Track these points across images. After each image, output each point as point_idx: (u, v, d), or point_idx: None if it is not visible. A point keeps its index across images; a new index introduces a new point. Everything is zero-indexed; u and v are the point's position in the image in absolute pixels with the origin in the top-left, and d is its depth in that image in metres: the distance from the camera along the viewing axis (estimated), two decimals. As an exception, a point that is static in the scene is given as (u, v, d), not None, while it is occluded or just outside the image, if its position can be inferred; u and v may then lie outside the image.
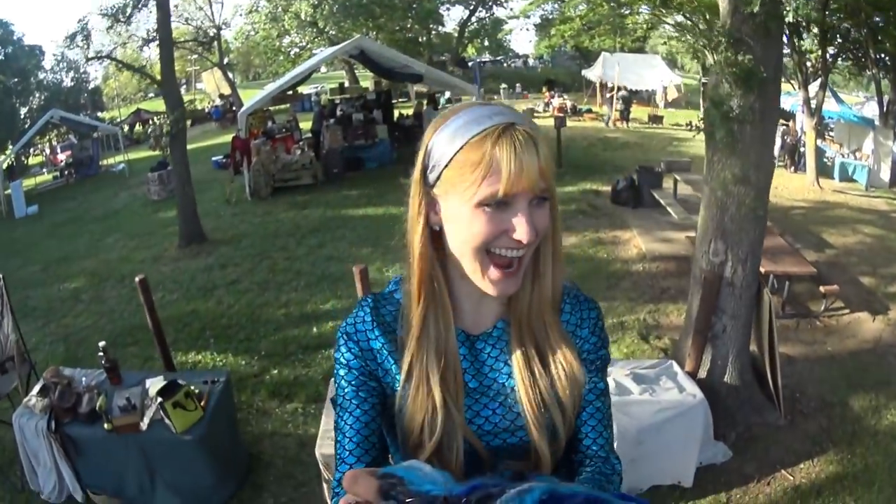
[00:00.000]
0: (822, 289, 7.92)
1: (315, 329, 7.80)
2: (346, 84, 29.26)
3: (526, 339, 1.25)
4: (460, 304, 1.27)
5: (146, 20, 12.65)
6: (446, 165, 1.10)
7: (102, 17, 11.04)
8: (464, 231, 1.12)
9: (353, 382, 1.26)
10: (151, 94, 57.21)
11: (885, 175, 16.36)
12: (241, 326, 8.02)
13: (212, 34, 31.83)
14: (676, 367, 5.14)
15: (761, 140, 5.06)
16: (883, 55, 15.88)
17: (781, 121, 19.17)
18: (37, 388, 4.80)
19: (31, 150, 31.22)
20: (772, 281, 7.90)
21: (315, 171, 15.58)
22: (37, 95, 36.00)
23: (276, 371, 6.84)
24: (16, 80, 33.02)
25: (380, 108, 19.43)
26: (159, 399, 4.30)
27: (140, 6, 10.96)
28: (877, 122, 16.95)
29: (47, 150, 30.38)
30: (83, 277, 10.89)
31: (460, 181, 1.08)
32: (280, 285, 9.35)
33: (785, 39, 15.05)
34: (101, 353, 4.83)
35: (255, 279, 9.69)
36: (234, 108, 32.61)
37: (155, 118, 32.50)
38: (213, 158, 19.92)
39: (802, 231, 11.23)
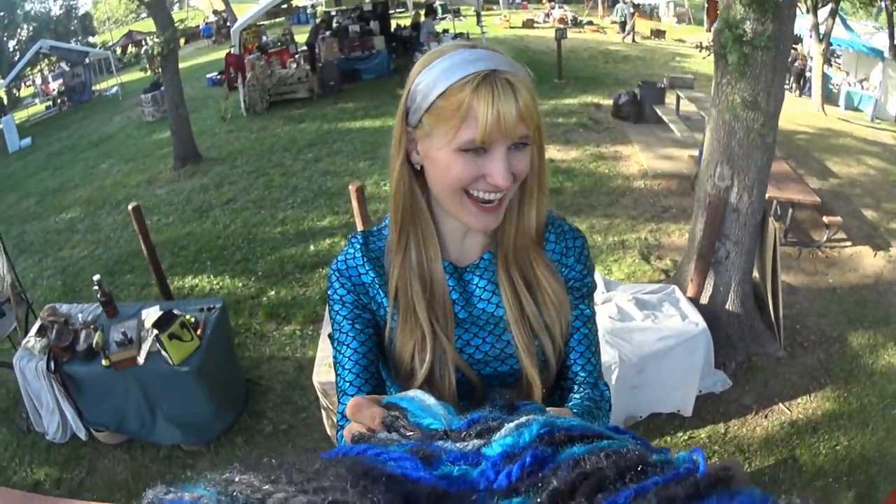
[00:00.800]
0: (825, 219, 7.81)
1: (312, 247, 7.76)
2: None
3: (512, 269, 1.30)
4: (446, 237, 1.32)
5: None
6: (427, 110, 1.12)
7: None
8: (442, 173, 1.15)
9: (347, 316, 1.30)
10: (144, 15, 56.13)
11: (892, 108, 16.17)
12: (237, 247, 7.97)
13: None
14: (679, 293, 5.09)
15: (773, 65, 4.87)
16: None
17: (798, 53, 18.98)
18: (34, 329, 4.80)
19: (23, 81, 30.75)
20: (775, 207, 7.80)
21: (311, 84, 15.25)
22: (25, 27, 35.33)
23: (273, 292, 6.82)
24: (1, 13, 32.53)
25: (377, 19, 19.04)
26: (155, 331, 4.28)
27: None
28: (886, 55, 16.59)
29: (38, 81, 30.07)
30: (78, 207, 10.78)
31: (439, 126, 1.11)
32: (276, 202, 9.26)
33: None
34: (95, 287, 4.80)
35: (250, 197, 9.59)
36: (227, 25, 31.97)
37: (147, 39, 32.00)
38: (208, 76, 19.51)
39: (806, 157, 11.11)
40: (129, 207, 5.46)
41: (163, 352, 4.29)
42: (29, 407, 4.86)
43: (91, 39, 38.18)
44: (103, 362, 4.35)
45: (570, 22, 25.14)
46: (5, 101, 24.29)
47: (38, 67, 30.18)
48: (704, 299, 5.58)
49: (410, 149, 1.21)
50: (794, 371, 5.55)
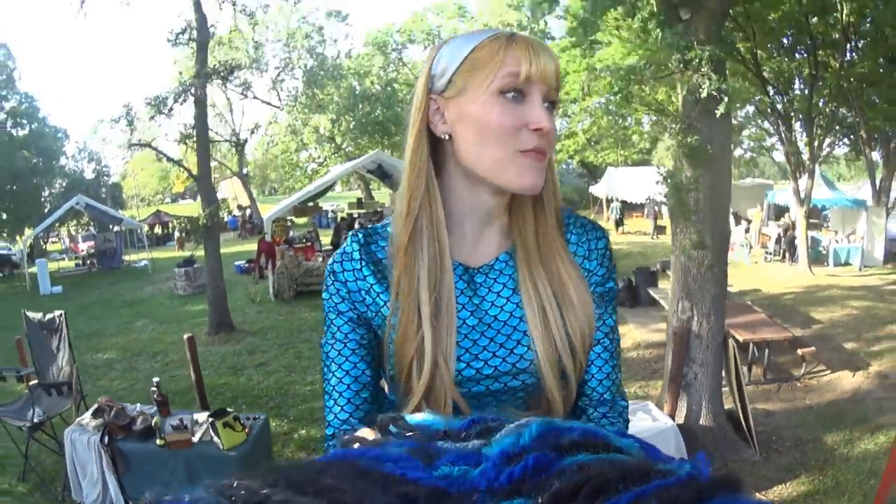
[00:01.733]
0: (799, 352, 8.59)
1: (342, 400, 8.39)
2: (363, 199, 30.64)
3: (535, 270, 1.18)
4: (458, 232, 1.21)
5: (179, 116, 13.49)
6: (460, 64, 1.09)
7: (146, 105, 11.93)
8: (481, 124, 1.09)
9: (342, 328, 1.22)
10: (168, 199, 58.92)
11: (879, 253, 16.93)
12: (270, 398, 8.72)
13: (232, 143, 33.47)
14: (651, 405, 5.86)
15: (714, 208, 5.98)
16: (874, 134, 16.65)
17: (783, 219, 19.93)
18: (91, 410, 5.41)
19: (50, 235, 32.26)
20: (752, 349, 8.58)
21: (337, 278, 16.29)
22: (58, 182, 36.64)
23: (304, 431, 7.51)
24: (38, 160, 33.59)
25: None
26: (210, 419, 4.97)
27: (182, 101, 11.91)
28: (869, 203, 17.59)
29: (66, 239, 31.34)
30: (115, 350, 11.64)
31: (476, 74, 1.08)
32: (305, 369, 10.01)
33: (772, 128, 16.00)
34: (153, 388, 5.42)
35: (281, 363, 10.39)
36: (251, 220, 34.03)
37: (174, 221, 33.72)
38: (236, 263, 20.71)
39: (791, 312, 11.84)
40: (185, 337, 6.33)
41: (215, 438, 4.90)
42: (71, 476, 5.31)
43: (120, 211, 40.12)
44: (157, 441, 4.93)
45: None
46: (30, 250, 25.05)
47: (67, 225, 31.53)
48: (680, 419, 6.35)
49: (435, 120, 1.14)
50: (770, 469, 6.08)
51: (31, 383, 6.56)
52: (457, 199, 1.19)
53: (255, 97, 34.08)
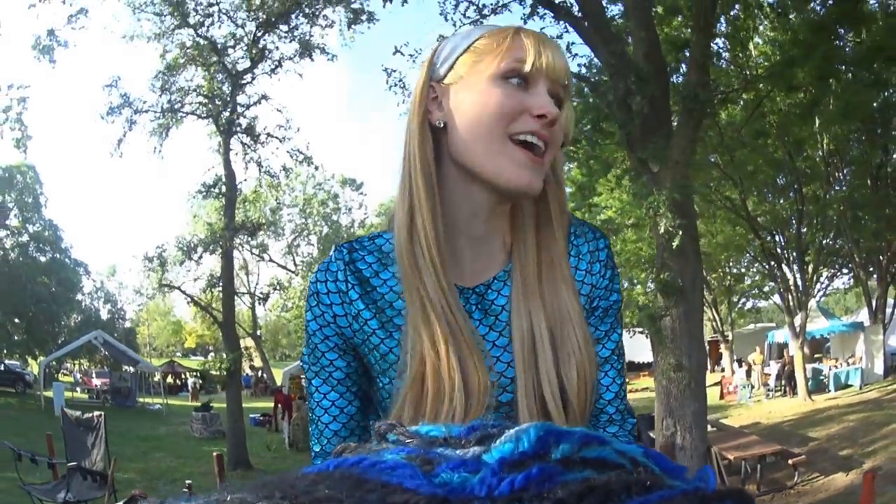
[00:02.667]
0: (790, 461, 8.96)
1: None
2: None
3: (531, 300, 1.05)
4: (455, 249, 1.08)
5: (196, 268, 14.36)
6: (464, 51, 1.02)
7: (177, 249, 12.75)
8: (478, 108, 0.99)
9: (327, 355, 1.10)
10: (179, 353, 59.23)
11: (879, 369, 17.26)
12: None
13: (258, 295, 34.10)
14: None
15: (689, 334, 6.81)
16: (866, 255, 17.31)
17: (784, 358, 20.17)
18: (125, 499, 5.75)
19: (61, 365, 32.68)
20: (744, 466, 9.06)
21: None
22: (74, 316, 37.18)
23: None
24: (59, 288, 34.32)
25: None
26: None
27: (211, 251, 12.78)
28: (866, 323, 18.14)
29: (77, 373, 31.83)
30: (134, 473, 11.95)
31: (479, 61, 1.00)
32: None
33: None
34: (185, 490, 5.70)
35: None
36: (264, 379, 34.70)
37: (188, 373, 34.26)
38: (251, 416, 20.71)
39: (790, 436, 12.19)
40: (214, 455, 6.69)
41: None
42: None
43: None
44: None
45: None
46: (38, 376, 25.44)
47: (79, 360, 31.78)
48: (668, 530, 6.91)
49: (432, 108, 1.04)
50: None
51: (69, 464, 7.01)
52: (451, 204, 1.05)
53: (270, 260, 35.22)
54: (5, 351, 31.70)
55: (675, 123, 7.12)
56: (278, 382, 18.43)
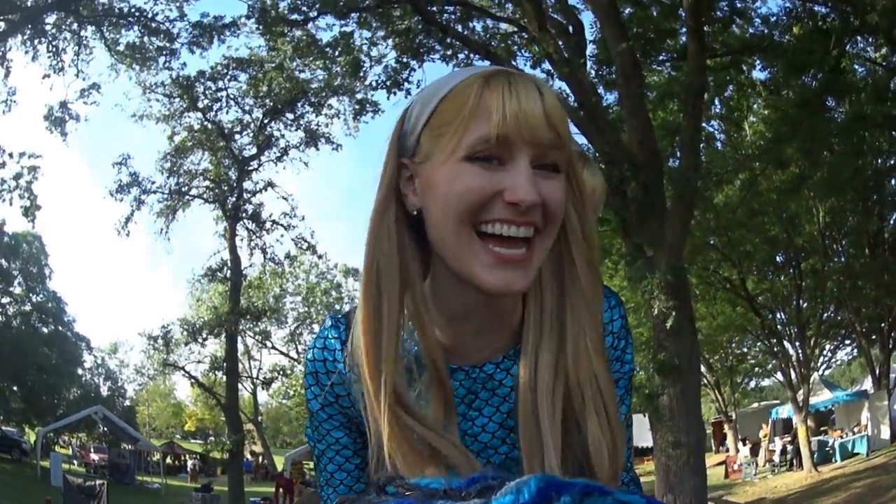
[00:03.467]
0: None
1: None
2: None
3: (542, 390, 0.87)
4: (448, 331, 0.94)
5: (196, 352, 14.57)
6: (426, 123, 0.85)
7: (182, 330, 12.99)
8: (445, 196, 0.82)
9: (332, 433, 1.01)
10: (178, 435, 58.72)
11: (886, 435, 17.13)
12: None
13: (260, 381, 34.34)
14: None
15: (686, 412, 7.02)
16: (867, 323, 17.28)
17: (786, 436, 20.29)
18: None
19: (59, 437, 32.08)
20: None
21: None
22: (73, 389, 36.96)
23: None
24: (59, 360, 34.09)
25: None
26: None
27: (216, 334, 13.03)
28: (870, 391, 18.14)
29: (75, 446, 31.45)
30: None
31: (442, 134, 0.82)
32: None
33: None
34: None
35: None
36: (265, 465, 34.53)
37: (187, 455, 34.19)
38: (251, 500, 20.18)
39: (796, 509, 12.02)
40: None
41: None
42: None
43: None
44: None
45: None
46: (35, 445, 25.18)
47: (77, 434, 31.50)
48: None
49: (407, 191, 0.88)
50: None
51: None
52: (445, 292, 0.92)
53: (273, 347, 35.37)
54: (2, 418, 31.40)
55: (669, 206, 7.44)
56: (279, 468, 18.41)
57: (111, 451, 26.78)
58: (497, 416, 0.97)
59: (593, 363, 0.86)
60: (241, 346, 35.96)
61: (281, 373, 36.44)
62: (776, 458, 19.49)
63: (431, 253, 0.89)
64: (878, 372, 17.89)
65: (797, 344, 16.83)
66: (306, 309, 35.20)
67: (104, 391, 42.18)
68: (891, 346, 17.68)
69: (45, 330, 34.78)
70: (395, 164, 0.88)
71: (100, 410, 24.44)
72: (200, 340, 13.02)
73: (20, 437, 28.69)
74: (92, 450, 29.16)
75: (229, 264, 12.77)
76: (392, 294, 0.85)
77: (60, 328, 35.71)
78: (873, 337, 18.12)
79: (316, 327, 34.72)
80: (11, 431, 29.68)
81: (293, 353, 36.28)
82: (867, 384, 20.15)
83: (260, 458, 36.43)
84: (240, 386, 33.68)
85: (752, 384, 27.97)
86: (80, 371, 39.27)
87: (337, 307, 34.86)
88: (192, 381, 18.15)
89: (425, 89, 0.91)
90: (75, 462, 27.85)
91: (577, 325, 0.87)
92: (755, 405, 29.87)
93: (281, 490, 16.98)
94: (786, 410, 20.90)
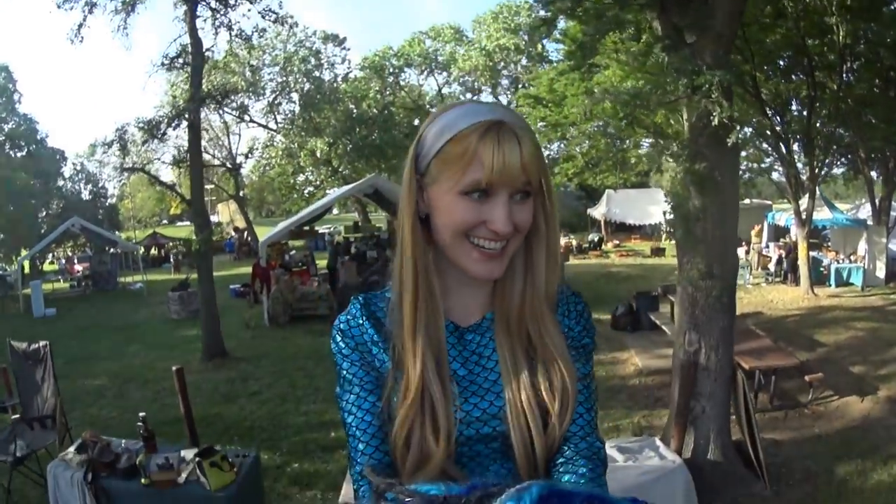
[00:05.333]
0: (806, 378, 8.38)
1: (334, 434, 8.17)
2: (360, 223, 30.57)
3: (513, 333, 1.28)
4: (448, 296, 1.31)
5: (174, 139, 13.38)
6: (434, 156, 1.17)
7: (139, 129, 11.77)
8: (446, 217, 1.18)
9: (356, 374, 1.30)
10: (165, 221, 58.99)
11: (881, 273, 16.91)
12: (262, 429, 8.50)
13: (229, 165, 33.41)
14: (658, 442, 5.61)
15: (722, 238, 5.79)
16: (873, 154, 16.58)
17: (782, 240, 19.91)
18: (74, 445, 5.16)
19: (46, 256, 32.20)
20: (758, 377, 8.38)
21: (332, 303, 16.09)
22: (54, 203, 36.88)
23: (297, 464, 7.30)
24: (36, 181, 33.92)
25: (392, 247, 20.20)
26: (197, 459, 4.71)
27: (175, 125, 11.75)
28: (869, 222, 17.62)
29: (62, 260, 31.35)
30: (106, 377, 11.46)
31: (446, 170, 1.16)
32: (299, 398, 9.78)
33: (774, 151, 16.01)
34: (140, 423, 5.12)
35: (275, 392, 10.17)
36: (248, 242, 33.95)
37: (172, 243, 33.78)
38: (231, 287, 20.54)
39: (794, 335, 11.70)
40: (174, 369, 6.08)
41: (202, 478, 4.64)
42: None
43: (116, 233, 39.86)
44: (142, 480, 4.67)
45: (574, 249, 27.01)
46: (27, 271, 25.19)
47: (63, 246, 31.43)
48: (686, 454, 6.12)
49: (418, 198, 1.23)
50: None
51: (13, 416, 6.35)
52: (446, 265, 1.28)
53: (251, 121, 34.14)
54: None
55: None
56: (259, 247, 17.48)
57: (92, 259, 26.57)
58: (479, 371, 1.29)
59: (550, 328, 1.28)
60: (219, 124, 35.64)
61: (254, 151, 35.80)
62: (771, 266, 19.15)
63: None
64: (878, 206, 17.33)
65: (801, 154, 16.27)
66: (284, 79, 33.33)
67: (86, 196, 42.19)
68: (894, 184, 16.95)
69: (20, 155, 34.27)
70: (412, 177, 1.23)
71: (76, 222, 23.31)
72: (159, 136, 11.58)
73: (4, 272, 28.30)
74: (76, 261, 28.87)
75: (189, 48, 11.13)
76: (419, 267, 1.24)
77: (34, 147, 35.10)
78: (876, 170, 17.60)
79: (295, 96, 33.71)
80: (-5, 267, 29.34)
81: (272, 125, 35.39)
82: (862, 212, 19.84)
83: (244, 235, 36.16)
84: (218, 164, 33.47)
85: (746, 177, 27.31)
86: (60, 182, 38.98)
87: (317, 74, 33.42)
88: (153, 180, 16.92)
89: (436, 124, 1.20)
90: (61, 279, 27.50)
91: (534, 296, 1.28)
92: (747, 202, 29.35)
93: (258, 279, 16.37)
94: (783, 218, 20.55)
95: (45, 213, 35.66)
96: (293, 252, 22.57)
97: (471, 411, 1.26)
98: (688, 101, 5.53)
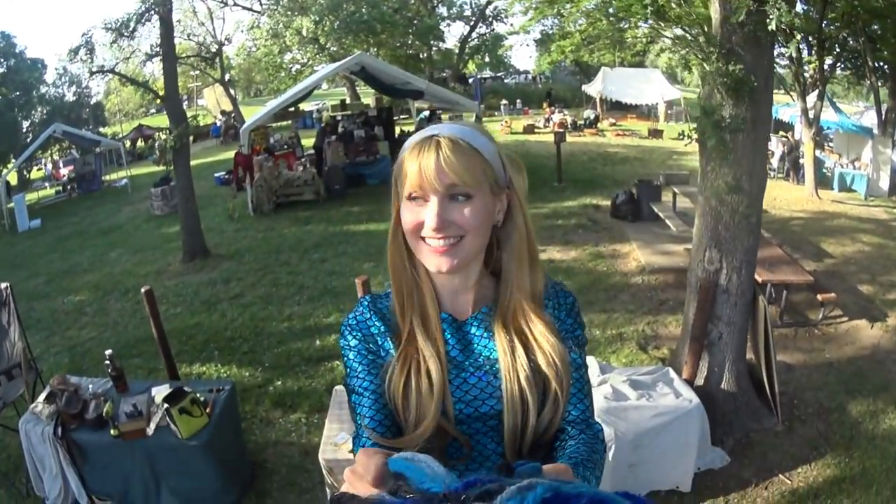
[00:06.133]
0: (819, 297, 7.98)
1: (318, 342, 7.86)
2: (348, 101, 29.55)
3: (509, 322, 1.41)
4: (442, 293, 1.46)
5: (149, 35, 12.55)
6: (395, 175, 1.38)
7: (106, 31, 11.01)
8: (403, 222, 1.36)
9: (362, 362, 1.42)
10: (153, 111, 57.79)
11: (884, 184, 16.46)
12: (244, 339, 8.11)
13: (213, 50, 32.12)
14: (673, 374, 5.22)
15: (753, 148, 5.16)
16: (881, 63, 15.97)
17: (781, 133, 19.36)
18: (43, 395, 4.86)
19: (34, 164, 31.50)
20: (769, 290, 7.95)
21: (317, 187, 15.66)
22: (39, 110, 36.07)
23: (279, 382, 6.92)
24: (18, 93, 33.19)
25: (381, 124, 19.66)
26: (165, 405, 4.37)
27: (143, 21, 10.91)
28: (875, 131, 17.09)
29: (49, 165, 30.63)
30: (87, 291, 11.00)
31: (398, 185, 1.36)
32: (283, 299, 9.41)
33: (782, 50, 15.29)
34: (107, 362, 4.89)
35: (258, 293, 9.76)
36: (235, 125, 32.95)
37: (158, 134, 32.78)
38: (216, 175, 20.02)
39: (801, 241, 11.32)
40: (142, 290, 5.62)
41: (172, 425, 4.37)
42: (31, 471, 4.89)
43: (102, 130, 38.92)
44: (112, 432, 4.43)
45: (569, 125, 25.88)
46: (15, 182, 24.68)
47: (50, 151, 30.69)
48: (700, 381, 5.70)
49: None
50: (793, 443, 5.59)
51: None
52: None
53: (235, 3, 32.55)
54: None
55: None
56: (240, 134, 16.79)
57: (75, 162, 25.95)
58: (477, 358, 1.42)
59: (543, 327, 1.40)
60: (203, 9, 33.67)
61: (229, 40, 34.51)
62: (775, 162, 18.42)
63: None
64: (884, 117, 16.67)
65: (808, 53, 15.45)
66: None
67: (70, 98, 40.61)
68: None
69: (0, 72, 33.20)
70: (394, 193, 1.40)
71: (57, 128, 22.87)
72: (127, 34, 10.77)
73: None
74: (61, 165, 28.13)
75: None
76: (401, 270, 1.43)
77: (12, 62, 33.80)
78: (881, 79, 16.72)
79: None
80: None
81: (256, 7, 33.77)
82: (866, 119, 19.36)
83: (230, 118, 35.10)
84: (201, 50, 32.31)
85: None
86: (43, 89, 37.55)
87: None
88: (124, 81, 16.10)
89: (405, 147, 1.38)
90: (48, 185, 26.52)
91: (522, 287, 1.42)
92: None
93: (241, 168, 15.71)
94: (786, 113, 20.13)
95: (29, 123, 34.80)
96: (277, 135, 21.71)
97: (469, 391, 1.38)
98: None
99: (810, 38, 14.80)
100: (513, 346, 1.38)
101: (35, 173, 31.82)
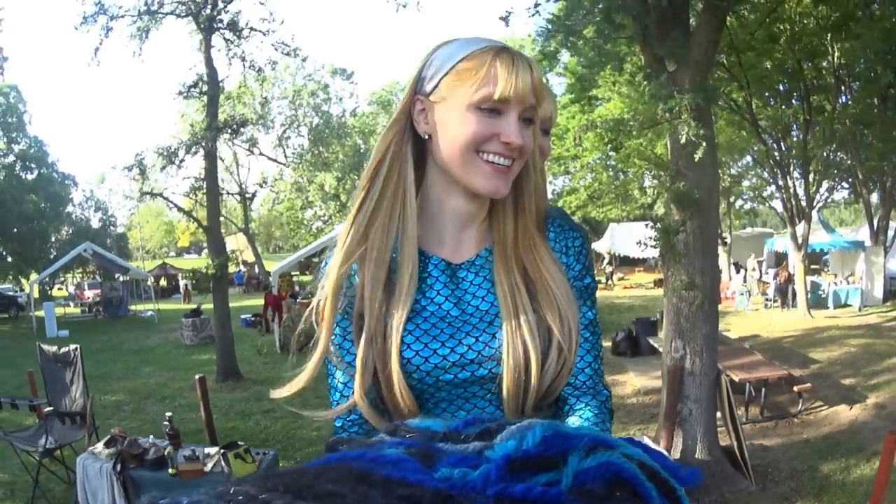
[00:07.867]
0: (795, 388, 8.75)
1: (346, 445, 8.53)
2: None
3: (512, 265, 1.24)
4: (442, 230, 1.29)
5: (186, 168, 13.78)
6: (447, 73, 1.17)
7: (158, 155, 12.14)
8: (456, 130, 1.17)
9: (340, 342, 1.36)
10: (172, 253, 59.40)
11: (879, 292, 17.08)
12: (277, 441, 8.90)
13: (237, 199, 33.88)
14: (647, 439, 6.05)
15: (703, 250, 6.30)
16: (871, 174, 16.85)
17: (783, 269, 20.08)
18: (104, 440, 5.53)
19: (55, 280, 32.38)
20: (749, 389, 8.73)
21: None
22: (64, 229, 36.98)
23: (311, 469, 7.66)
24: (47, 204, 33.97)
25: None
26: (223, 451, 5.13)
27: (193, 153, 12.17)
28: (867, 243, 17.83)
29: (71, 287, 31.70)
30: (123, 393, 11.79)
31: (459, 85, 1.16)
32: (313, 410, 10.06)
33: (779, 182, 16.28)
34: (166, 423, 5.55)
35: (288, 410, 10.43)
36: (257, 276, 34.44)
37: (181, 275, 34.05)
38: (242, 317, 20.72)
39: (790, 354, 11.99)
40: (196, 378, 6.55)
41: (226, 468, 5.03)
42: (81, 501, 5.39)
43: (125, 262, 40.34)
44: (170, 471, 5.04)
45: None
46: (37, 295, 25.19)
47: (72, 272, 31.67)
48: (676, 454, 6.58)
49: (419, 119, 1.23)
50: (766, 499, 6.23)
51: (46, 410, 6.72)
52: (435, 200, 1.27)
53: (261, 153, 34.69)
54: (-2, 275, 31.46)
55: (694, 22, 6.44)
56: (270, 277, 17.94)
57: (103, 285, 26.74)
58: (482, 304, 1.26)
59: (544, 256, 1.26)
60: (229, 155, 35.73)
61: (265, 184, 36.24)
62: (770, 292, 19.31)
63: (423, 166, 1.29)
64: (875, 226, 17.63)
65: (797, 176, 16.60)
66: (293, 112, 34.25)
67: (95, 223, 42.21)
68: (892, 203, 17.28)
69: (30, 177, 34.30)
70: (411, 97, 1.25)
71: (88, 247, 23.69)
72: (177, 162, 12.05)
73: (16, 293, 28.71)
74: (86, 288, 29.23)
75: (205, 78, 11.68)
76: (391, 182, 1.25)
77: (45, 171, 35.09)
78: (871, 187, 17.80)
79: (304, 130, 34.54)
80: (7, 288, 29.93)
81: (280, 158, 35.88)
82: (862, 234, 19.98)
83: (254, 267, 36.86)
84: (227, 196, 33.89)
85: (747, 206, 27.60)
86: (70, 209, 38.96)
87: (325, 108, 34.34)
88: (171, 206, 17.40)
89: (443, 48, 1.23)
90: (72, 304, 27.71)
91: (526, 228, 1.28)
92: (748, 230, 29.54)
93: (270, 308, 16.73)
94: (781, 244, 20.95)
95: (54, 239, 35.74)
96: (300, 286, 22.96)
97: (465, 353, 1.21)
98: (668, 123, 6.04)
99: (798, 163, 15.94)
100: (515, 296, 1.22)
101: (56, 291, 32.72)
